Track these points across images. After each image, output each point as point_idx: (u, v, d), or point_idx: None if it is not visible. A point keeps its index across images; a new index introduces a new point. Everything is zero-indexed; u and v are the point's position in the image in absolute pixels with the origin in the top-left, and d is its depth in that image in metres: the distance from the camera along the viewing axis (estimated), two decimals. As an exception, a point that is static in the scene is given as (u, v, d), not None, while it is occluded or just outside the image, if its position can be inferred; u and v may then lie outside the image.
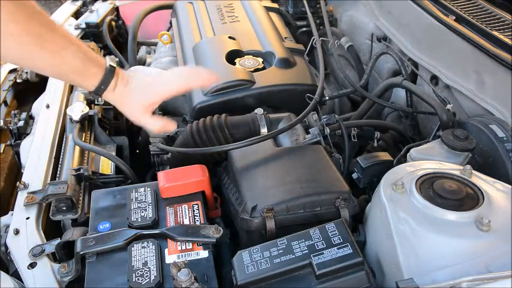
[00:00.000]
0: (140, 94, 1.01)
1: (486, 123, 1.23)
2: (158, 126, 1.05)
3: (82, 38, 2.04)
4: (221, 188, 1.23)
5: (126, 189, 1.15)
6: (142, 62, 1.96)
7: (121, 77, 1.00)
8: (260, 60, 1.57)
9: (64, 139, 1.47)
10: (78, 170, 1.28)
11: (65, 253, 1.07)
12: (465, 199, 0.93)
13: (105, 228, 1.04)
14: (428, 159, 1.12)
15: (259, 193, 1.08)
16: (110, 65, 0.97)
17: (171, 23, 2.04)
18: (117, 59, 1.95)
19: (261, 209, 1.03)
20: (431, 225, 0.89)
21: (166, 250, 0.98)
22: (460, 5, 1.56)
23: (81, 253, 0.98)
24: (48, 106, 1.58)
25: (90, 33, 2.07)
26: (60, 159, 1.39)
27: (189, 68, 1.10)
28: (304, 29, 2.09)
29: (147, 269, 0.92)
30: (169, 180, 1.11)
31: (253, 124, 1.33)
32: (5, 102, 1.71)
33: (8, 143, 1.56)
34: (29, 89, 1.79)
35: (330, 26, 1.89)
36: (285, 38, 1.74)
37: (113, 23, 2.19)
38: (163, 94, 1.02)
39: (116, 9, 2.30)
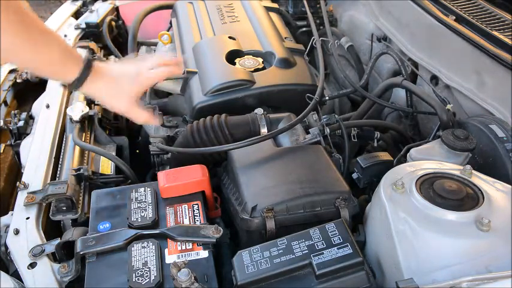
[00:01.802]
0: (127, 85, 1.03)
1: (486, 123, 1.23)
2: (144, 117, 1.09)
3: (82, 38, 2.04)
4: (221, 188, 1.23)
5: (126, 189, 1.16)
6: (143, 62, 1.96)
7: (99, 70, 1.01)
8: (260, 60, 1.57)
9: (64, 139, 1.47)
10: (78, 170, 1.28)
11: (65, 253, 1.07)
12: (465, 199, 0.93)
13: (105, 228, 1.04)
14: (428, 159, 1.12)
15: (259, 193, 1.08)
16: (88, 58, 0.98)
17: (171, 23, 2.04)
18: (117, 60, 1.95)
19: (261, 209, 1.03)
20: (431, 225, 0.89)
21: (166, 250, 0.98)
22: (460, 5, 1.56)
23: (81, 253, 0.98)
24: (48, 106, 1.59)
25: (90, 33, 2.07)
26: (60, 159, 1.39)
27: (158, 57, 1.14)
28: (304, 29, 2.09)
29: (147, 269, 0.93)
30: (169, 180, 1.11)
31: (253, 124, 1.33)
32: (5, 102, 1.71)
33: (8, 143, 1.56)
34: (29, 89, 1.79)
35: (330, 26, 1.89)
36: (285, 38, 1.74)
37: (113, 23, 2.19)
38: (148, 84, 1.08)
39: (116, 9, 2.30)
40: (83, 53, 1.01)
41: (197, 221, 1.05)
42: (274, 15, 1.94)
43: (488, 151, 1.19)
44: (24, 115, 1.59)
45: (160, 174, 1.13)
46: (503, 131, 1.19)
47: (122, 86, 1.03)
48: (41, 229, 1.14)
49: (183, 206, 1.09)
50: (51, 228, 1.19)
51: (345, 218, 1.03)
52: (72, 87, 1.00)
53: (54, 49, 0.93)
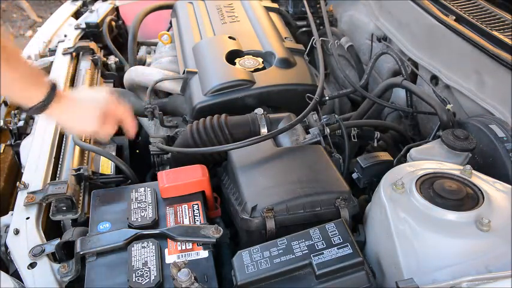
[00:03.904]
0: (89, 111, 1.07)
1: (486, 123, 1.23)
2: (112, 132, 1.14)
3: (82, 38, 2.04)
4: (221, 188, 1.23)
5: (126, 189, 1.16)
6: (143, 62, 1.96)
7: (61, 97, 1.03)
8: (260, 60, 1.57)
9: (64, 139, 1.47)
10: (78, 170, 1.28)
11: (65, 253, 1.07)
12: (465, 199, 0.93)
13: (105, 228, 1.04)
14: (428, 159, 1.12)
15: (259, 193, 1.08)
16: (53, 84, 1.01)
17: (171, 23, 2.05)
18: (117, 60, 1.95)
19: (261, 209, 1.03)
20: (431, 225, 0.89)
21: (166, 250, 0.98)
22: (460, 5, 1.56)
23: (81, 253, 0.98)
24: (48, 106, 1.58)
25: (90, 33, 2.07)
26: (60, 159, 1.39)
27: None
28: (304, 29, 2.09)
29: (147, 269, 0.93)
30: (169, 180, 1.11)
31: (253, 124, 1.33)
32: (5, 102, 1.71)
33: (8, 143, 1.56)
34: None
35: (330, 26, 1.89)
36: (285, 38, 1.74)
37: (113, 23, 2.20)
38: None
39: (116, 9, 2.30)
40: (49, 80, 1.01)
41: (197, 221, 1.05)
42: (274, 15, 1.94)
43: (488, 151, 1.19)
44: (24, 115, 1.59)
45: (161, 174, 1.13)
46: (503, 131, 1.19)
47: (83, 111, 1.07)
48: (41, 229, 1.14)
49: (183, 206, 1.09)
50: (51, 228, 1.19)
51: (345, 218, 1.03)
52: (32, 112, 1.01)
53: (28, 75, 0.95)
